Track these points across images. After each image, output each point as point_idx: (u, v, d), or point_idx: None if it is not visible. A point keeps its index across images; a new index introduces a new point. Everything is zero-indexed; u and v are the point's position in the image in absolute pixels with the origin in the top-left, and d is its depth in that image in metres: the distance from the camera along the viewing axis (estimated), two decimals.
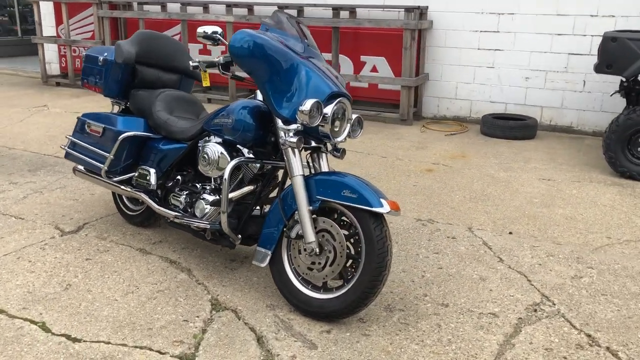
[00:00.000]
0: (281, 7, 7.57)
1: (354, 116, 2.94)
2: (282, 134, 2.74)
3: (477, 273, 3.27)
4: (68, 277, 3.11)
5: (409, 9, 6.88)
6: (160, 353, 2.49)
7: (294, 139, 2.68)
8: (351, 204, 2.61)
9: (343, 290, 2.68)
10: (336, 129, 2.79)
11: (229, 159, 2.97)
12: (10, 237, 3.59)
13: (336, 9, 7.33)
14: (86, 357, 2.43)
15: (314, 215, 2.75)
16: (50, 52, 9.89)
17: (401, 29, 6.93)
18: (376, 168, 5.25)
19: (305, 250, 2.73)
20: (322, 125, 2.71)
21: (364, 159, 5.55)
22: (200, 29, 2.79)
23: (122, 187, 3.50)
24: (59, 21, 9.53)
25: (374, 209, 2.56)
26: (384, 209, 2.56)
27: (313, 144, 2.85)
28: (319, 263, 2.72)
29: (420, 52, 7.34)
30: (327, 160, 2.95)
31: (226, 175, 2.82)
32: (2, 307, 2.80)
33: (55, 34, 9.79)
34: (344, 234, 2.70)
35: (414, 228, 3.89)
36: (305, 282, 2.80)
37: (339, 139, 2.82)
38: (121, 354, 2.46)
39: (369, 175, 5.00)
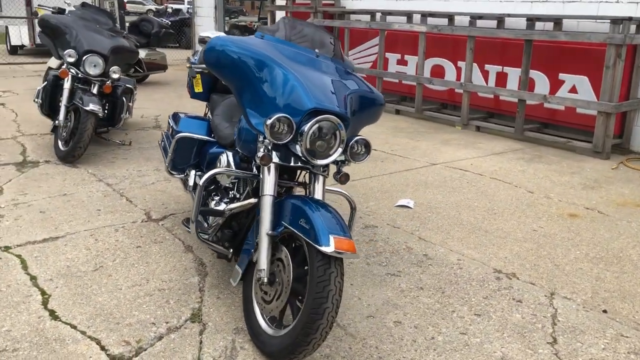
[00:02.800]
0: (474, 17, 7.00)
1: (358, 138, 2.57)
2: (259, 147, 2.53)
3: (504, 352, 2.57)
4: (107, 260, 3.37)
5: (616, 21, 5.72)
6: (102, 349, 2.53)
7: (260, 155, 2.46)
8: (301, 235, 2.30)
9: (284, 332, 2.38)
10: (321, 150, 2.47)
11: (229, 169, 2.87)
12: (105, 216, 4.05)
13: (531, 20, 6.49)
14: (44, 335, 2.61)
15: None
16: None
17: (604, 44, 5.80)
18: (507, 203, 4.50)
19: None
20: (300, 144, 2.43)
21: (504, 190, 4.81)
22: (200, 34, 2.74)
23: (186, 184, 3.65)
24: None
25: (316, 246, 2.21)
26: (328, 248, 2.20)
27: (298, 163, 2.57)
28: (269, 294, 2.46)
29: (634, 72, 6.05)
30: (323, 185, 2.62)
31: (200, 184, 2.72)
32: (37, 274, 3.17)
33: None
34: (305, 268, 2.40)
35: (481, 280, 3.24)
36: None
37: (321, 162, 2.50)
38: (70, 340, 2.58)
39: (491, 210, 4.32)
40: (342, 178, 2.64)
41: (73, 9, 6.00)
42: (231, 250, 2.89)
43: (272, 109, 2.46)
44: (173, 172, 3.67)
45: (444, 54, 7.73)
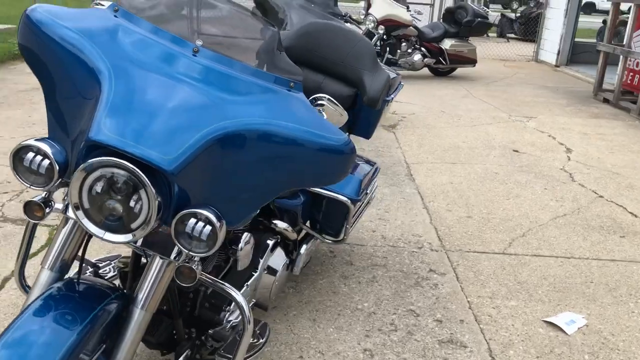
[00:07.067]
0: None
1: (199, 211, 1.38)
2: None
3: None
4: None
5: None
6: None
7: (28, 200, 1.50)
8: None
9: None
10: (114, 218, 1.38)
11: None
12: None
13: None
14: None
15: None
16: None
17: None
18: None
19: None
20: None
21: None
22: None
23: None
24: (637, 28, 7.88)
25: None
26: None
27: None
28: None
29: None
30: (156, 274, 1.49)
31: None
32: None
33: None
34: None
35: None
36: None
37: (110, 239, 1.39)
38: None
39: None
40: (183, 271, 1.46)
41: None
42: None
43: (61, 131, 1.48)
44: None
45: None
